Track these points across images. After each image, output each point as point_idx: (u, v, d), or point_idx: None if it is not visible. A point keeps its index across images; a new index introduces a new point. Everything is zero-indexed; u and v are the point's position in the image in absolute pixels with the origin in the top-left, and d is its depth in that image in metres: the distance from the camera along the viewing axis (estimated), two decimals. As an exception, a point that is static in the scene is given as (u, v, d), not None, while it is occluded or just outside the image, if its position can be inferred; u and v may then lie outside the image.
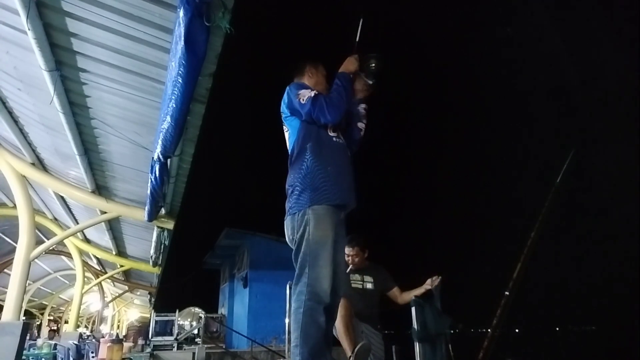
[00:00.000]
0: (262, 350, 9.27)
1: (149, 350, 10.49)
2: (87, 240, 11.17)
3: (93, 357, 7.58)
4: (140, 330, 19.42)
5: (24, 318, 13.85)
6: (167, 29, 2.98)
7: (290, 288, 3.52)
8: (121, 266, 12.93)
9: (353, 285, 3.26)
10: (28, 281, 6.45)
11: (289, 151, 2.03)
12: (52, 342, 8.09)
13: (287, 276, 2.39)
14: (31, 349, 8.02)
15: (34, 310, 21.97)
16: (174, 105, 3.13)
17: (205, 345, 10.33)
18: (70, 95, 3.91)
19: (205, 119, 3.98)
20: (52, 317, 22.89)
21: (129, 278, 16.96)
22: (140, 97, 3.92)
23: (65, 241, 10.13)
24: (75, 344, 7.26)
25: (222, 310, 15.79)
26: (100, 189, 6.24)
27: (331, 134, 2.02)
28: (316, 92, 1.98)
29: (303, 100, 1.95)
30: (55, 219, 9.31)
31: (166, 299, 15.26)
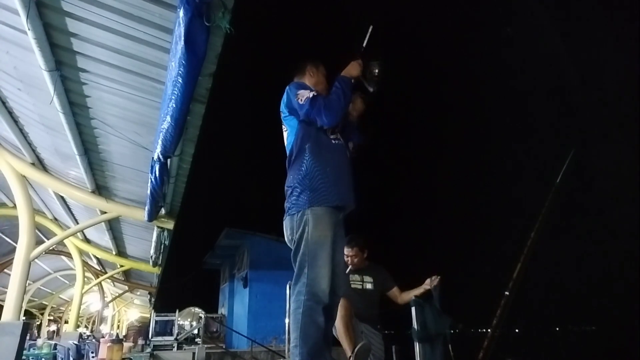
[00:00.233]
0: (262, 351, 9.26)
1: (149, 350, 10.47)
2: (87, 240, 11.18)
3: (93, 357, 7.57)
4: (140, 330, 19.43)
5: (24, 318, 13.83)
6: (167, 29, 2.99)
7: (290, 288, 3.52)
8: (121, 266, 12.95)
9: (353, 285, 3.26)
10: (28, 281, 6.45)
11: (288, 151, 2.03)
12: (52, 342, 8.09)
13: (287, 276, 2.39)
14: (31, 349, 8.03)
15: (34, 310, 21.98)
16: (174, 105, 3.14)
17: (205, 345, 10.30)
18: (70, 95, 3.91)
19: (205, 119, 3.98)
20: (52, 317, 22.90)
21: (129, 278, 16.98)
22: (140, 97, 3.93)
23: (65, 241, 10.14)
24: (75, 344, 7.26)
25: (222, 310, 15.77)
26: (100, 189, 6.25)
27: (330, 135, 2.02)
28: (315, 93, 1.97)
29: (302, 100, 1.95)
30: (55, 219, 9.32)
31: (166, 299, 15.24)
